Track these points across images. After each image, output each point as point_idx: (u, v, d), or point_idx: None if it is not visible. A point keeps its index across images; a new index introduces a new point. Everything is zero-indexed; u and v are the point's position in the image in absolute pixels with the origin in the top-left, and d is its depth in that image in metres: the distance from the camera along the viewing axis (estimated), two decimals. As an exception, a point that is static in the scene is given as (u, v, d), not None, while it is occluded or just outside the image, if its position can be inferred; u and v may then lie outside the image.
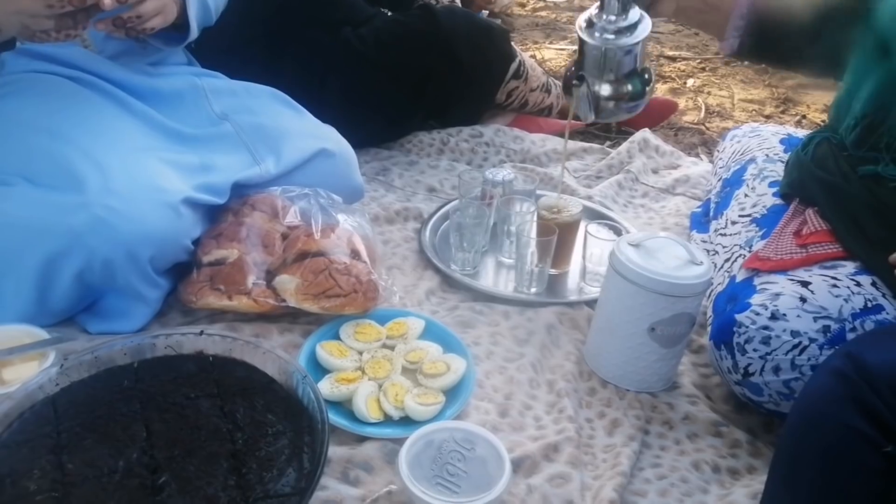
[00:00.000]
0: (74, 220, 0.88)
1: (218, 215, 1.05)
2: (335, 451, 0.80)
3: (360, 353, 0.93)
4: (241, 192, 1.07)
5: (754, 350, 0.84)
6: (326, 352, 0.92)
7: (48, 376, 0.82)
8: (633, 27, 0.88)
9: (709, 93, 2.18)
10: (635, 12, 0.88)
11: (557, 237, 1.08)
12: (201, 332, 0.90)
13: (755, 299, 0.87)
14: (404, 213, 1.34)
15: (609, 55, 0.88)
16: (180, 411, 0.82)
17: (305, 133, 1.15)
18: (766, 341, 0.83)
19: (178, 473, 0.74)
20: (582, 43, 0.90)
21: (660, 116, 1.84)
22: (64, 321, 0.97)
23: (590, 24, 0.89)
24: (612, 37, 0.88)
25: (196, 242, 1.00)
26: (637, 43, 0.88)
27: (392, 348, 0.95)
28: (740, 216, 1.09)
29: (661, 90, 2.16)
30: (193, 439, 0.78)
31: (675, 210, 1.42)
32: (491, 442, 0.76)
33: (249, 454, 0.77)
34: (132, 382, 0.85)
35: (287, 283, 0.97)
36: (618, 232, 1.12)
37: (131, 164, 0.94)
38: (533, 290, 1.12)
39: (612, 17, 0.87)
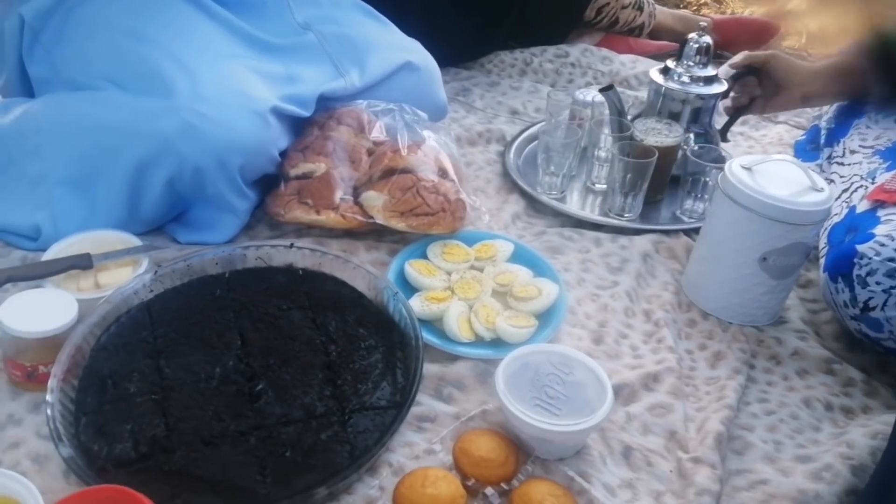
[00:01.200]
0: (164, 126, 0.87)
1: (303, 128, 1.04)
2: (427, 368, 0.80)
3: (449, 273, 0.92)
4: (326, 105, 1.05)
5: (877, 283, 0.79)
6: (415, 270, 0.91)
7: (142, 282, 0.84)
8: None
9: (811, 17, 2.03)
10: None
11: (656, 161, 1.03)
12: (291, 245, 0.90)
13: (879, 230, 0.81)
14: (486, 134, 1.30)
15: None
16: (273, 321, 0.83)
17: (390, 45, 1.11)
18: (891, 274, 0.78)
19: (274, 382, 0.75)
20: None
21: (759, 39, 1.73)
22: (153, 230, 0.98)
23: None
24: None
25: (283, 155, 0.99)
26: None
27: (481, 270, 0.93)
28: (861, 146, 1.02)
29: (759, 12, 2.02)
30: (288, 349, 0.79)
31: (778, 139, 1.34)
32: (590, 366, 0.75)
33: (344, 366, 0.77)
34: (224, 291, 0.86)
35: (374, 199, 0.95)
36: (719, 159, 1.06)
37: (219, 70, 0.92)
38: (627, 215, 1.08)
39: None
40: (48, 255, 0.86)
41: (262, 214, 1.01)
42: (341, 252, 0.91)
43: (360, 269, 0.87)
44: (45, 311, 0.76)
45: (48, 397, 0.70)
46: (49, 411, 0.69)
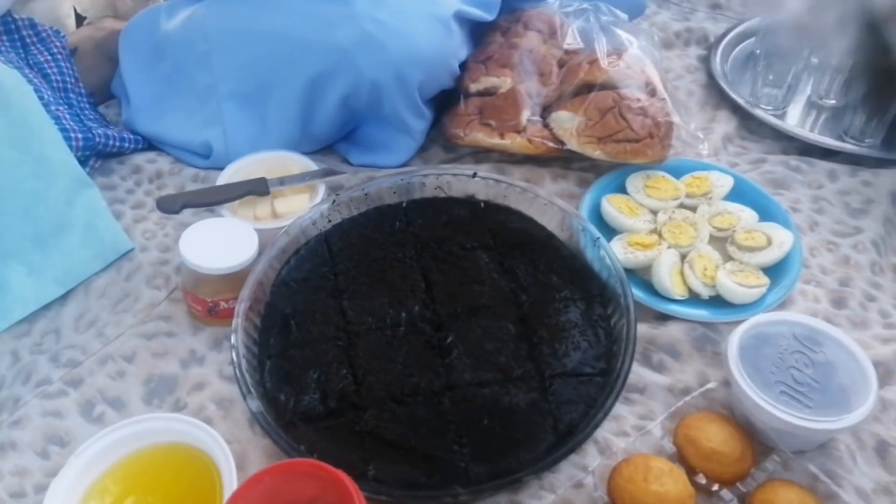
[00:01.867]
0: (341, 35, 0.79)
1: (483, 35, 0.92)
2: (632, 327, 0.70)
3: (654, 212, 0.80)
4: (511, 5, 0.91)
5: None
6: (614, 207, 0.79)
7: (320, 212, 0.78)
8: None
9: None
10: None
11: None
12: (474, 175, 0.80)
13: None
14: (685, 35, 1.12)
15: None
16: (457, 262, 0.75)
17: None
18: None
19: (464, 334, 0.68)
20: None
21: None
22: (323, 150, 0.92)
23: None
24: None
25: (461, 67, 0.88)
26: None
27: (693, 209, 0.80)
28: None
29: None
30: (476, 297, 0.71)
31: None
32: (843, 343, 0.62)
33: (538, 321, 0.69)
34: (403, 224, 0.79)
35: (566, 121, 0.83)
36: None
37: (398, -32, 0.81)
38: (867, 141, 0.90)
39: None
40: (222, 179, 0.82)
41: (437, 135, 0.92)
42: (526, 182, 0.80)
43: (550, 204, 0.77)
44: (226, 243, 0.72)
45: (232, 339, 0.67)
46: (234, 356, 0.66)
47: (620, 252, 0.74)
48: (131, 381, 0.70)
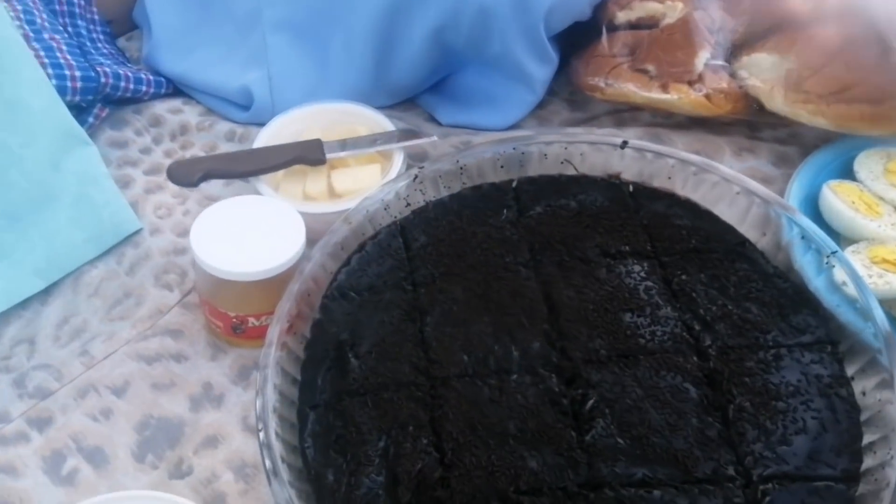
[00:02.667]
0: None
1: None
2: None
3: (903, 210, 0.53)
4: None
5: None
6: (844, 202, 0.53)
7: (396, 191, 0.54)
8: None
9: None
10: None
11: None
12: (623, 144, 0.55)
13: None
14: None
15: None
16: (596, 275, 0.50)
17: None
18: None
19: (613, 394, 0.44)
20: None
21: None
22: (403, 104, 0.68)
23: None
24: None
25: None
26: None
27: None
28: None
29: None
30: (629, 332, 0.47)
31: None
32: None
33: (733, 380, 0.44)
34: (514, 213, 0.55)
35: (767, 67, 0.57)
36: None
37: None
38: None
39: None
40: (263, 139, 0.59)
41: (561, 86, 0.67)
42: (702, 159, 0.54)
43: (746, 194, 0.51)
44: (259, 234, 0.50)
45: (259, 378, 0.44)
46: (258, 405, 0.43)
47: (861, 274, 0.48)
48: (119, 426, 0.50)
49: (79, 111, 0.65)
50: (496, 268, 0.52)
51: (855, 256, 0.50)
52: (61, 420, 0.50)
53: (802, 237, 0.48)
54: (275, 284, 0.48)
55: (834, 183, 0.54)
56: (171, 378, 0.52)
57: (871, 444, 0.41)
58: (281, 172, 0.57)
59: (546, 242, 0.53)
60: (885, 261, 0.49)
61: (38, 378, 0.52)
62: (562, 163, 0.57)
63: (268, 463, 0.41)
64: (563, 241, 0.53)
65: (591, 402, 0.44)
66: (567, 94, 0.68)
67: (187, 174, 0.54)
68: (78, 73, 0.63)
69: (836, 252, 0.46)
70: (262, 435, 0.42)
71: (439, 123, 0.67)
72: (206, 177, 0.55)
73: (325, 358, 0.48)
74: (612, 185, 0.56)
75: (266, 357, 0.45)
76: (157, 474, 0.47)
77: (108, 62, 0.69)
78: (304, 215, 0.52)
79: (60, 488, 0.47)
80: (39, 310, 0.56)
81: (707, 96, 0.58)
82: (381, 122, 0.60)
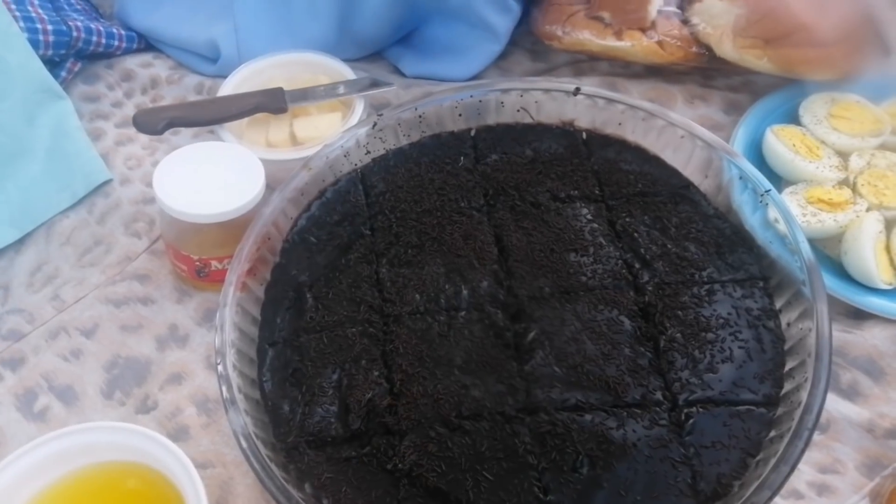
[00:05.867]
0: None
1: None
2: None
3: (845, 155, 0.56)
4: None
5: None
6: (786, 145, 0.56)
7: (356, 138, 0.57)
8: None
9: None
10: None
11: None
12: (576, 91, 0.57)
13: None
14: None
15: None
16: (546, 218, 0.53)
17: None
18: None
19: (553, 329, 0.47)
20: None
21: None
22: (370, 56, 0.70)
23: None
24: None
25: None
26: None
27: (903, 151, 0.56)
28: None
29: None
30: (573, 271, 0.50)
31: None
32: None
33: (667, 314, 0.47)
34: (471, 161, 0.58)
35: (715, 14, 0.59)
36: None
37: None
38: None
39: None
40: (227, 88, 0.62)
41: (522, 36, 0.69)
42: (651, 104, 0.57)
43: (690, 137, 0.54)
44: (220, 178, 0.52)
45: (219, 315, 0.47)
46: (218, 340, 0.46)
47: (797, 213, 0.51)
48: (89, 365, 0.53)
49: (52, 65, 0.67)
50: (451, 212, 0.54)
51: (792, 197, 0.53)
52: (33, 360, 0.53)
53: (740, 177, 0.51)
54: (235, 228, 0.51)
55: (777, 127, 0.57)
56: (138, 320, 0.55)
57: (791, 370, 0.44)
58: (245, 121, 0.60)
59: (500, 188, 0.56)
60: (820, 200, 0.52)
61: (11, 322, 0.55)
62: (518, 111, 0.59)
63: (225, 393, 0.45)
64: (517, 186, 0.55)
65: (531, 334, 0.47)
66: (529, 45, 0.70)
67: (152, 122, 0.57)
68: (50, 27, 0.65)
69: (769, 190, 0.49)
70: (220, 367, 0.46)
71: (404, 75, 0.69)
72: (171, 125, 0.57)
73: (284, 298, 0.52)
74: (566, 132, 0.59)
75: (226, 295, 0.48)
76: (125, 410, 0.51)
77: (81, 17, 0.71)
78: (267, 162, 0.54)
79: (32, 424, 0.50)
80: (13, 258, 0.59)
81: (660, 43, 0.60)
82: (345, 73, 0.63)
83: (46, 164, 0.62)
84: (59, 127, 0.63)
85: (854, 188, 0.53)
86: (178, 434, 0.49)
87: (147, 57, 0.73)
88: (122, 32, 0.73)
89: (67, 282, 0.57)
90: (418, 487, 0.42)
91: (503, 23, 0.64)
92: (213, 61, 0.70)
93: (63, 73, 0.69)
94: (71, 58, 0.69)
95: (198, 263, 0.53)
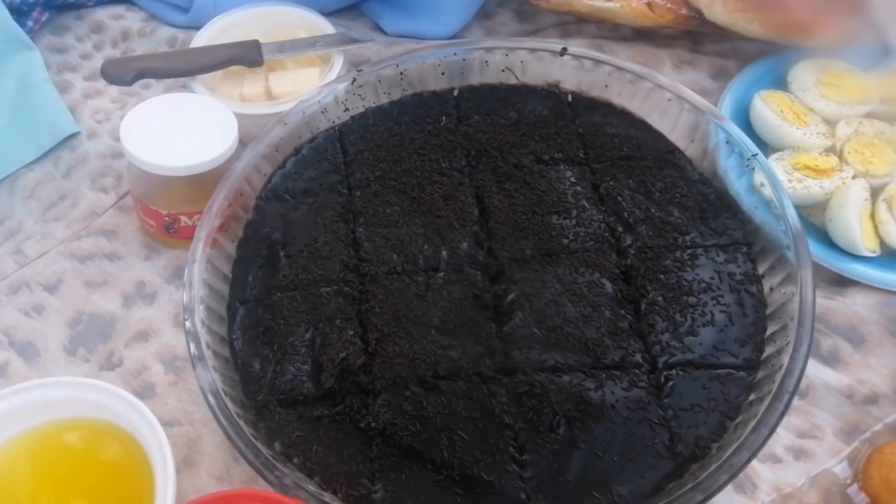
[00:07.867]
0: None
1: None
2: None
3: (832, 122, 0.56)
4: None
5: None
6: (773, 110, 0.55)
7: (334, 94, 0.56)
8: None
9: None
10: None
11: None
12: (563, 52, 0.57)
13: None
14: None
15: None
16: (529, 181, 0.53)
17: None
18: None
19: (533, 291, 0.47)
20: None
21: None
22: (347, 10, 0.69)
23: None
24: None
25: None
26: None
27: (891, 121, 0.56)
28: None
29: None
30: (554, 234, 0.49)
31: None
32: None
33: (648, 277, 0.47)
34: (453, 121, 0.57)
35: (705, -21, 0.59)
36: None
37: None
38: None
39: None
40: (201, 40, 0.60)
41: (509, -5, 0.69)
42: (639, 66, 0.56)
43: (678, 100, 0.54)
44: (191, 131, 0.51)
45: (187, 271, 0.46)
46: (186, 296, 0.45)
47: (783, 179, 0.51)
48: (51, 321, 0.52)
49: (18, 14, 0.65)
50: (431, 173, 0.54)
51: (778, 163, 0.53)
52: (-6, 316, 0.52)
53: (727, 142, 0.50)
54: (206, 182, 0.50)
55: (765, 93, 0.56)
56: (103, 276, 0.54)
57: (772, 334, 0.44)
58: (219, 74, 0.58)
59: (482, 149, 0.55)
60: (806, 167, 0.52)
61: (-28, 276, 0.54)
62: (503, 71, 0.58)
63: (193, 349, 0.44)
64: (500, 147, 0.55)
65: (511, 296, 0.47)
66: (515, 6, 0.69)
67: (121, 72, 0.55)
68: (13, -28, 0.63)
69: (756, 155, 0.48)
70: (188, 324, 0.45)
71: (385, 33, 0.68)
72: (141, 75, 0.56)
73: (256, 256, 0.51)
74: (551, 94, 0.58)
75: (195, 251, 0.47)
76: (88, 367, 0.50)
77: (49, -35, 0.69)
78: (240, 117, 0.53)
79: (-9, 380, 0.49)
80: (-25, 213, 0.58)
81: (649, 5, 0.60)
82: (323, 27, 0.61)
83: (11, 115, 0.60)
84: (26, 78, 0.62)
85: (841, 156, 0.53)
86: (144, 392, 0.48)
87: (118, 9, 0.71)
88: (93, -18, 0.71)
89: (31, 236, 0.56)
90: (392, 446, 0.42)
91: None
92: (186, 11, 0.68)
93: (30, 23, 0.67)
94: (38, 7, 0.67)
95: (167, 219, 0.52)
